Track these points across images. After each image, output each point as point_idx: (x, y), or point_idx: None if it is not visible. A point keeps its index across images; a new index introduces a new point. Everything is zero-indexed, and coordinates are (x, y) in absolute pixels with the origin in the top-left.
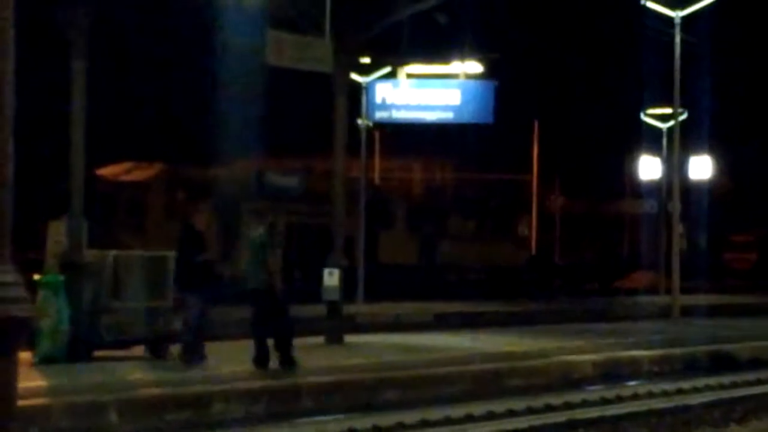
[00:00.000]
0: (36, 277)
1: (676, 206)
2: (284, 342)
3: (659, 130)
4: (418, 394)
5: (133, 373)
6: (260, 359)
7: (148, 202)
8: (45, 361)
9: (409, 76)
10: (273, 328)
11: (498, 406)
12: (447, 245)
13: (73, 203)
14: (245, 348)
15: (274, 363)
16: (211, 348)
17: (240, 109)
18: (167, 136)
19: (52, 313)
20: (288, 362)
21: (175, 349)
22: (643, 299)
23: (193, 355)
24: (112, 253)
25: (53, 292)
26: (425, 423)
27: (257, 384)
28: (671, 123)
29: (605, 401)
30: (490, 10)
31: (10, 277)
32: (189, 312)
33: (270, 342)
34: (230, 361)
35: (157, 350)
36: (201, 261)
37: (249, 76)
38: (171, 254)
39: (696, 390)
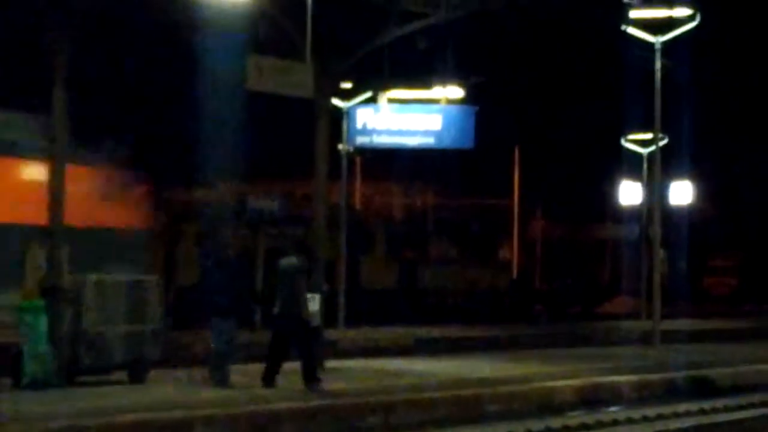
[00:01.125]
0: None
1: (656, 231)
2: (311, 363)
3: (640, 155)
4: (399, 420)
5: (114, 398)
6: (269, 378)
7: None
8: (33, 385)
9: (391, 101)
10: (301, 351)
11: None
12: (428, 270)
13: (54, 228)
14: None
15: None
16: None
17: (221, 132)
18: (149, 159)
19: (36, 337)
20: (312, 381)
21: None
22: (624, 324)
23: (220, 376)
24: (93, 277)
25: (34, 316)
26: None
27: (239, 409)
28: (652, 148)
29: (586, 427)
30: (471, 36)
31: None
32: (220, 337)
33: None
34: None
35: (137, 375)
36: (240, 288)
37: (230, 100)
38: (152, 279)
39: (676, 415)
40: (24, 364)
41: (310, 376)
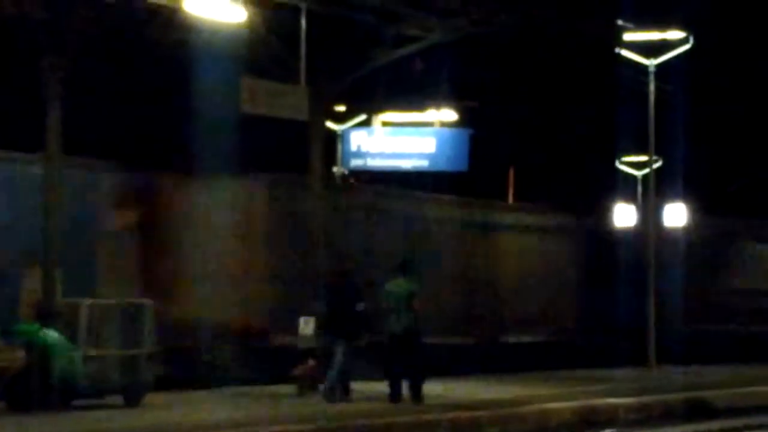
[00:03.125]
0: None
1: (650, 253)
2: (419, 380)
3: (634, 177)
4: None
5: (108, 422)
6: (395, 396)
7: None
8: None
9: (385, 124)
10: (409, 369)
11: None
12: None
13: (48, 252)
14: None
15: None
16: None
17: (214, 153)
18: None
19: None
20: (418, 397)
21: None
22: (620, 345)
23: (335, 393)
24: (88, 301)
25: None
26: None
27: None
28: (646, 171)
29: None
30: (465, 59)
31: None
32: (338, 357)
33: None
34: (206, 409)
35: (132, 399)
36: (359, 310)
37: (223, 122)
38: (147, 302)
39: None
40: (53, 370)
41: (416, 393)
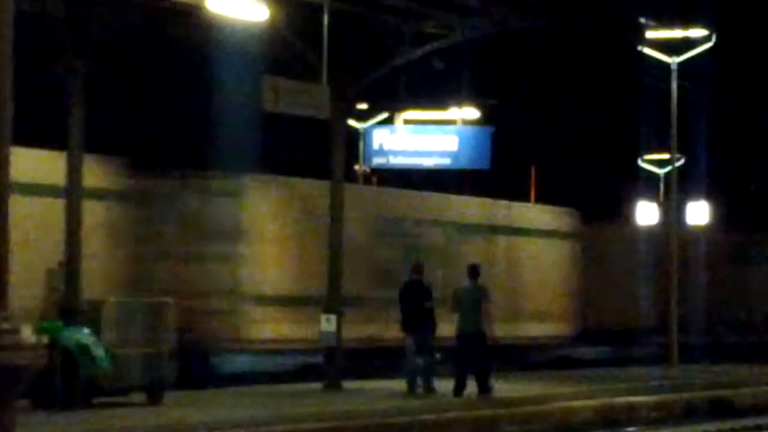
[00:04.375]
0: None
1: (674, 251)
2: (485, 375)
3: (656, 175)
4: None
5: (131, 419)
6: (460, 389)
7: None
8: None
9: (407, 122)
10: (476, 365)
11: None
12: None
13: (72, 249)
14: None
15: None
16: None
17: (237, 152)
18: None
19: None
20: (486, 390)
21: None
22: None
23: (415, 386)
24: (110, 299)
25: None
26: None
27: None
28: (668, 168)
29: None
30: (486, 57)
31: (8, 324)
32: (430, 351)
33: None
34: (226, 407)
35: (155, 396)
36: (428, 308)
37: (245, 120)
38: (167, 301)
39: None
40: (80, 367)
41: (483, 386)
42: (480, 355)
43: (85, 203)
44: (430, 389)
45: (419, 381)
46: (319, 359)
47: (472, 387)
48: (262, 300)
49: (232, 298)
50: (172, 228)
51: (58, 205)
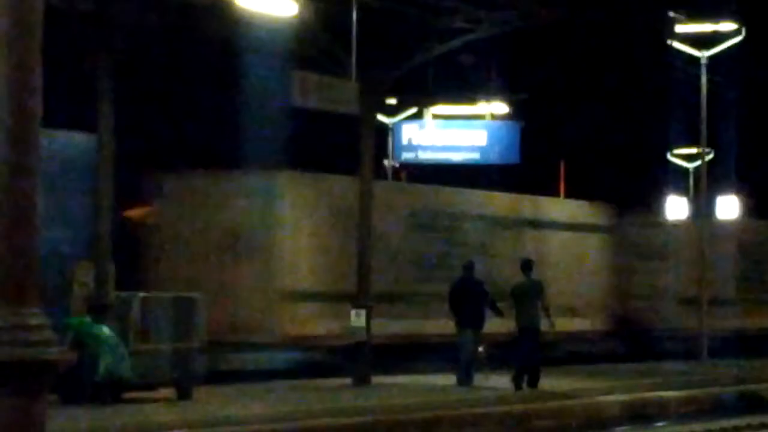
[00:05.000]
0: None
1: (704, 246)
2: (536, 369)
3: (686, 170)
4: None
5: (160, 414)
6: (519, 384)
7: None
8: (108, 380)
9: (436, 117)
10: (529, 358)
11: None
12: None
13: (101, 246)
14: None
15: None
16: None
17: (265, 147)
18: None
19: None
20: (535, 384)
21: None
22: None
23: (471, 379)
24: (139, 294)
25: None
26: None
27: (268, 426)
28: (698, 163)
29: None
30: (515, 52)
31: (38, 320)
32: (465, 346)
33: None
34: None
35: (184, 391)
36: (487, 304)
37: (274, 116)
38: (197, 295)
39: (724, 431)
40: (101, 358)
41: (534, 379)
42: (532, 350)
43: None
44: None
45: (465, 374)
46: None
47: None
48: None
49: None
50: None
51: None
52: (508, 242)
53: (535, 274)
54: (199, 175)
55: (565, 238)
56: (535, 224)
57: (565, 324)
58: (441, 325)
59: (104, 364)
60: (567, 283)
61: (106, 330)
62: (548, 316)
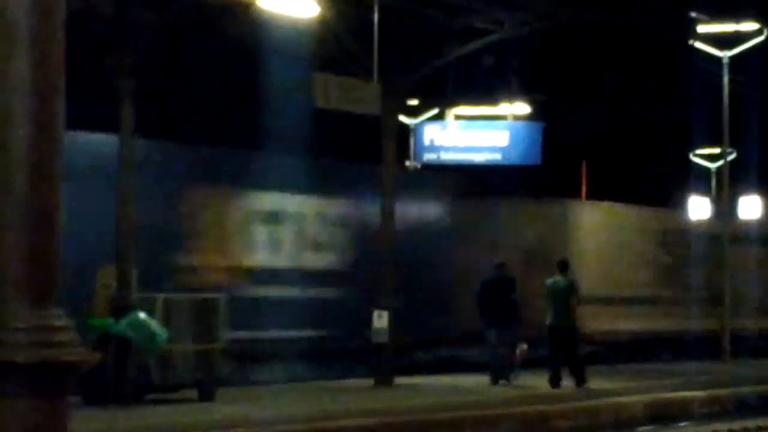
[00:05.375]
0: None
1: (726, 246)
2: (579, 367)
3: (708, 170)
4: None
5: (183, 415)
6: (555, 381)
7: None
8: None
9: (457, 117)
10: (568, 357)
11: None
12: None
13: (124, 248)
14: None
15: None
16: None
17: (287, 148)
18: None
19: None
20: (581, 381)
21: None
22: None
23: (498, 377)
24: (162, 296)
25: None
26: None
27: (292, 427)
28: (720, 163)
29: None
30: (537, 52)
31: (60, 321)
32: (493, 343)
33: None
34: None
35: (206, 393)
36: (513, 300)
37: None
38: (219, 297)
39: (746, 431)
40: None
41: (580, 378)
42: (570, 349)
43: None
44: (504, 378)
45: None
46: None
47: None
48: None
49: None
50: None
51: None
52: (721, 254)
53: (572, 274)
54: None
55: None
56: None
57: None
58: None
59: (139, 344)
60: None
61: (137, 314)
62: (578, 316)
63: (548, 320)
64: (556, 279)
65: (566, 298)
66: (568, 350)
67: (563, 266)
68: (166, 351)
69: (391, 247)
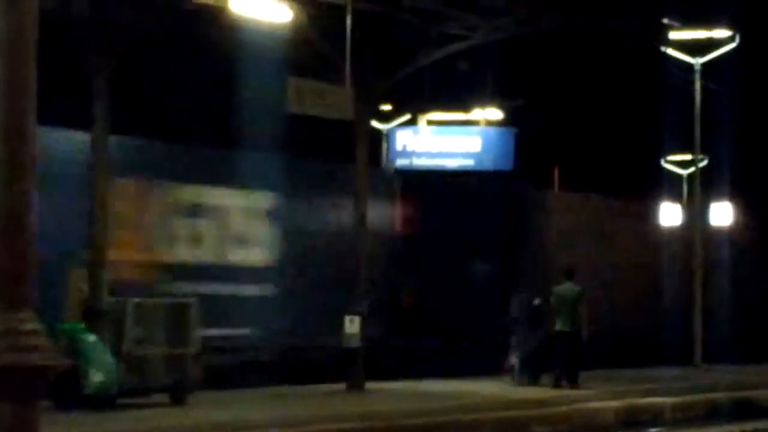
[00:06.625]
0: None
1: (697, 252)
2: (577, 371)
3: (680, 176)
4: None
5: (154, 420)
6: (559, 383)
7: None
8: (98, 396)
9: (430, 123)
10: (570, 359)
11: None
12: None
13: (96, 251)
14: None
15: None
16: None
17: (260, 154)
18: None
19: (101, 350)
20: (576, 384)
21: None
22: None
23: (525, 378)
24: (134, 300)
25: (87, 335)
26: None
27: None
28: (692, 169)
29: None
30: (510, 58)
31: (31, 325)
32: (527, 344)
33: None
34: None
35: (178, 397)
36: (536, 305)
37: (269, 123)
38: (191, 301)
39: None
40: (88, 375)
41: (574, 381)
42: (573, 353)
43: None
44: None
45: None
46: None
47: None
48: None
49: None
50: None
51: None
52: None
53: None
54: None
55: None
56: None
57: None
58: None
59: (97, 380)
60: None
61: (92, 338)
62: (583, 324)
63: (556, 326)
64: (564, 286)
65: (574, 304)
66: (572, 353)
67: (569, 273)
68: (136, 355)
69: (363, 250)
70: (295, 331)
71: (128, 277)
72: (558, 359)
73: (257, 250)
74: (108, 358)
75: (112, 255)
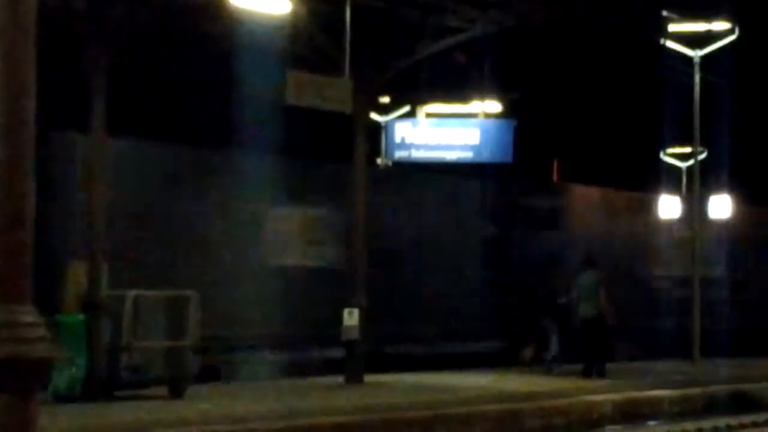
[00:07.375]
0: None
1: (696, 245)
2: (604, 360)
3: (679, 169)
4: None
5: (153, 412)
6: (588, 372)
7: None
8: (58, 399)
9: (429, 115)
10: (596, 349)
11: None
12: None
13: (95, 244)
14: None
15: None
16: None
17: (259, 145)
18: None
19: (75, 349)
20: (603, 375)
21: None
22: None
23: (553, 367)
24: (132, 292)
25: (72, 331)
26: None
27: (263, 425)
28: (691, 162)
29: None
30: (509, 50)
31: (30, 318)
32: (551, 333)
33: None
34: (254, 402)
35: (177, 390)
36: (563, 302)
37: (268, 115)
38: (191, 294)
39: (716, 430)
40: (53, 377)
41: (601, 370)
42: (599, 340)
43: None
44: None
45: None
46: None
47: (482, 381)
48: None
49: None
50: None
51: None
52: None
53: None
54: None
55: None
56: None
57: None
58: None
59: (57, 378)
60: None
61: (81, 344)
62: (606, 309)
63: (579, 313)
64: (583, 273)
65: (595, 291)
66: (597, 341)
67: (589, 260)
68: (136, 347)
69: (362, 245)
70: None
71: None
72: (586, 349)
73: None
74: (80, 360)
75: None
